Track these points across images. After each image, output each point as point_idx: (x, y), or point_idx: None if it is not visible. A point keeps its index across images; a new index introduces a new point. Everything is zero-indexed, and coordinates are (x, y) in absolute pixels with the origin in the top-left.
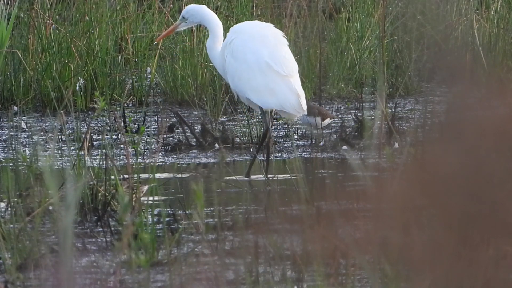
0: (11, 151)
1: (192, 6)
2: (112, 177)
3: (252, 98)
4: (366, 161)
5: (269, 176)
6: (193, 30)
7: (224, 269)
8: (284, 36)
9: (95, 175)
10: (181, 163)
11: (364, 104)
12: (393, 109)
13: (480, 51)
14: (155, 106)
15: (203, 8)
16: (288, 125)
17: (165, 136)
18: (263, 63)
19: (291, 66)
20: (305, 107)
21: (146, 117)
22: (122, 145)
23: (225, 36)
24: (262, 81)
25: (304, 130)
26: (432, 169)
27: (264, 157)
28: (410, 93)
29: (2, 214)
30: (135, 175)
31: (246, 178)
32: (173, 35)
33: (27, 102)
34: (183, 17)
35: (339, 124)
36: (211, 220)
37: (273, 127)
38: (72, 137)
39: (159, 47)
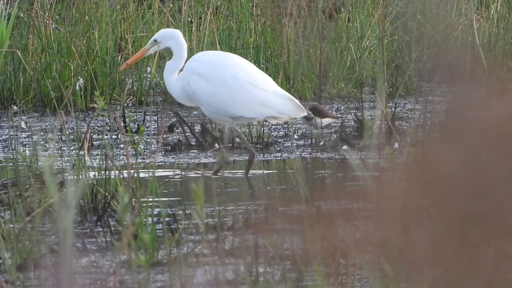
0: (11, 151)
1: (165, 30)
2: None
3: (247, 114)
4: (366, 161)
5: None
6: (193, 30)
7: (224, 269)
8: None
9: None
10: (181, 163)
11: (364, 104)
12: (393, 109)
13: (480, 51)
14: (155, 106)
15: (177, 33)
16: (288, 125)
17: (165, 136)
18: (245, 83)
19: (271, 83)
20: (302, 107)
21: (146, 117)
22: (122, 145)
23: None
24: (252, 98)
25: (304, 130)
26: (432, 169)
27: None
28: (410, 93)
29: (2, 214)
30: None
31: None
32: None
33: (27, 102)
34: (155, 40)
35: (339, 124)
36: (211, 220)
37: (273, 127)
38: (72, 137)
39: None
